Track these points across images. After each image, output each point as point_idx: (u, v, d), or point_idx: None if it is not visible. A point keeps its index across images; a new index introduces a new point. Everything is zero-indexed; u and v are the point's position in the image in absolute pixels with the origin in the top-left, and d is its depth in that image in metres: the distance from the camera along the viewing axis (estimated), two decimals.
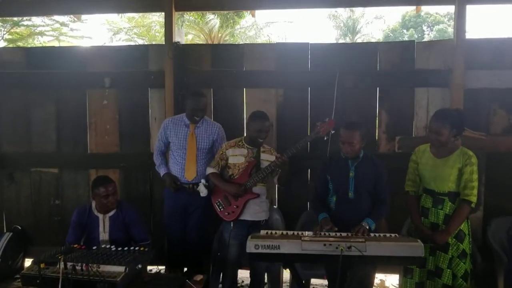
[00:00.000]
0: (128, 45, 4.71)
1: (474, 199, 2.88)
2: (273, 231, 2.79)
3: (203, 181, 3.42)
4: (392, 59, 3.83)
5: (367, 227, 2.88)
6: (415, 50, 3.80)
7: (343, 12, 27.20)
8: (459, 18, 3.62)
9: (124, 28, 20.80)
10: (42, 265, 2.54)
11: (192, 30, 18.54)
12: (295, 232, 2.78)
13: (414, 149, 3.74)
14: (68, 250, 2.90)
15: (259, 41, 18.22)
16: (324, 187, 3.14)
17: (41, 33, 14.96)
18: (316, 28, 48.64)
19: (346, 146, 2.96)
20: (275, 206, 3.99)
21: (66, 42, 14.43)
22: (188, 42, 18.30)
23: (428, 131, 3.01)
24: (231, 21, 10.00)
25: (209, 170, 3.41)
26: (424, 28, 31.23)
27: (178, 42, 3.93)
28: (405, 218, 3.68)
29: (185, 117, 3.54)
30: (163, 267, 4.12)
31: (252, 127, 3.30)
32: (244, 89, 4.00)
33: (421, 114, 3.82)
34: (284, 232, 2.79)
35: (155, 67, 4.00)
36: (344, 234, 2.77)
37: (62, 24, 14.73)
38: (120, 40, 18.46)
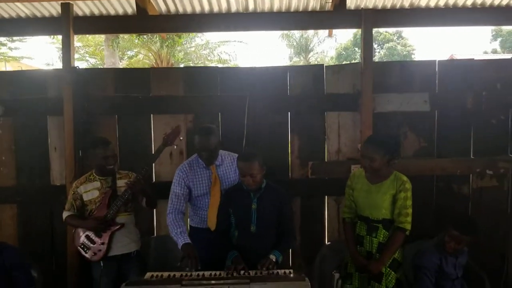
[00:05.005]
0: (26, 71, 4.40)
1: (408, 226, 2.76)
2: (159, 274, 2.57)
3: None
4: (302, 83, 3.72)
5: (274, 260, 2.72)
6: (324, 74, 3.72)
7: (295, 32, 27.70)
8: (365, 41, 3.57)
9: (76, 47, 20.28)
10: None
11: (142, 50, 18.32)
12: (183, 274, 2.56)
13: (327, 174, 3.70)
14: None
15: (210, 60, 18.19)
16: (227, 221, 2.95)
17: None
18: (269, 48, 49.51)
19: (248, 179, 2.79)
20: None
21: (2, 63, 13.82)
22: (131, 62, 18.03)
23: (361, 156, 2.87)
24: (170, 41, 9.80)
25: (65, 214, 3.17)
26: (375, 46, 32.29)
27: (77, 66, 3.69)
28: (319, 247, 3.57)
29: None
30: None
31: (96, 156, 3.08)
32: (152, 115, 3.79)
33: (333, 138, 3.73)
34: (172, 274, 2.57)
35: (54, 94, 3.71)
36: (252, 272, 2.60)
37: None
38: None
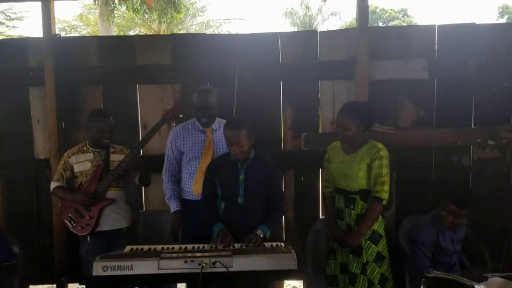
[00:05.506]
0: (5, 39, 4.23)
1: (385, 195, 2.64)
2: (139, 247, 2.45)
3: None
4: (295, 51, 3.53)
5: (261, 235, 2.59)
6: (318, 40, 3.53)
7: (299, 10, 27.24)
8: (361, 5, 3.36)
9: (76, 26, 20.13)
10: None
11: (142, 28, 18.08)
12: (165, 247, 2.45)
13: (321, 146, 3.54)
14: None
15: None
16: (213, 193, 2.82)
17: None
18: (272, 26, 48.79)
19: (235, 148, 2.62)
20: None
21: None
22: None
23: (336, 126, 2.78)
24: (169, 15, 9.58)
25: (53, 185, 3.04)
26: (380, 24, 31.66)
27: (59, 34, 3.52)
28: (313, 221, 3.45)
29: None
30: (54, 285, 3.73)
31: (93, 128, 2.98)
32: (137, 85, 3.63)
33: (327, 108, 3.56)
34: (153, 247, 2.45)
35: (35, 63, 3.54)
36: (237, 245, 2.51)
37: None
38: None
